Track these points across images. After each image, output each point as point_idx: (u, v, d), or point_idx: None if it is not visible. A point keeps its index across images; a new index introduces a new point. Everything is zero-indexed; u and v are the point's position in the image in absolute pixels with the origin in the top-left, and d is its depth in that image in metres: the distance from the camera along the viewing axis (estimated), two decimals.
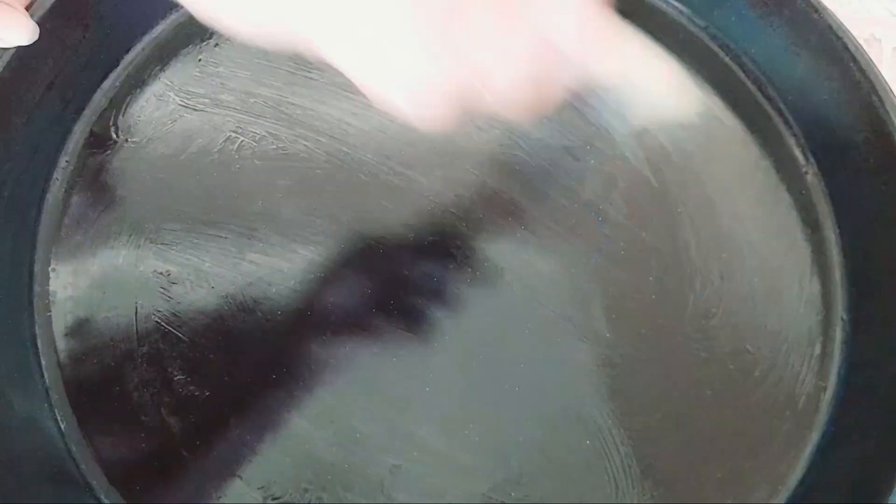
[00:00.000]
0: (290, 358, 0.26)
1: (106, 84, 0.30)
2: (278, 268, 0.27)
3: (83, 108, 0.29)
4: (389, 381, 0.26)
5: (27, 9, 0.26)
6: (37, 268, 0.27)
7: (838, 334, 0.28)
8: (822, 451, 0.26)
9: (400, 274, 0.27)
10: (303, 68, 0.31)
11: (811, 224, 0.29)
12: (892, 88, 0.28)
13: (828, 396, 0.27)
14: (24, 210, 0.27)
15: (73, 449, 0.25)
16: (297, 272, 0.27)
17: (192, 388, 0.26)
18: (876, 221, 0.28)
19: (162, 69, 0.30)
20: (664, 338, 0.27)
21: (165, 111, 0.30)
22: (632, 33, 0.20)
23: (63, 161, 0.29)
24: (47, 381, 0.26)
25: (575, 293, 0.27)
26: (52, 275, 0.27)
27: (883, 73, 0.28)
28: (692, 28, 0.33)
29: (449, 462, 0.25)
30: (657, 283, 0.28)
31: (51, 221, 0.28)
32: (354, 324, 0.27)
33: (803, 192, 0.30)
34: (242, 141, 0.29)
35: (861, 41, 0.29)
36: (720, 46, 0.32)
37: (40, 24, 0.27)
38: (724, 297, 0.28)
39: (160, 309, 0.27)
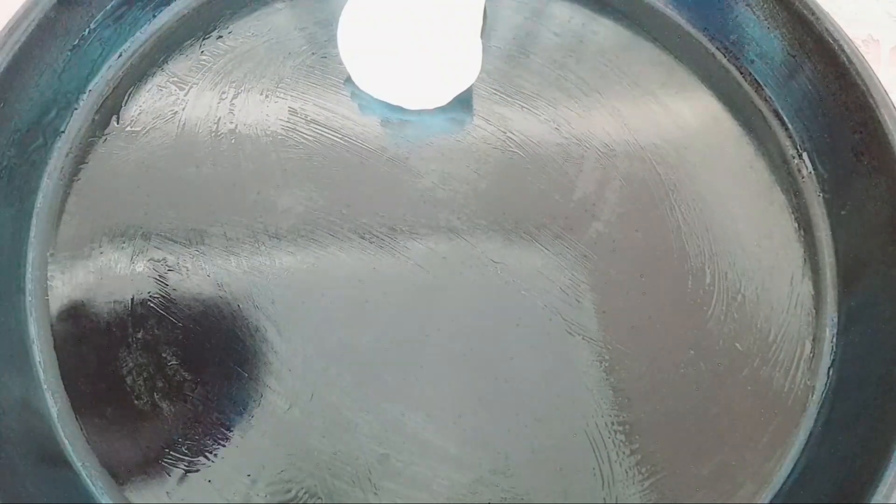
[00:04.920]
0: (283, 346, 0.26)
1: (109, 73, 0.30)
2: (273, 258, 0.28)
3: (85, 97, 0.30)
4: (380, 371, 0.26)
5: None
6: (35, 252, 0.27)
7: (828, 334, 0.28)
8: (809, 449, 0.26)
9: (393, 266, 0.28)
10: (304, 63, 0.31)
11: (804, 225, 0.30)
12: (890, 89, 0.28)
13: (816, 396, 0.27)
14: (24, 195, 0.28)
15: (66, 431, 0.25)
16: (290, 262, 0.28)
17: (185, 373, 0.26)
18: (868, 223, 0.28)
19: (164, 60, 0.31)
20: (654, 334, 0.27)
21: (166, 101, 0.30)
22: None
23: (65, 148, 0.29)
24: (42, 363, 0.26)
25: (566, 289, 0.28)
26: (49, 259, 0.27)
27: (881, 74, 0.28)
28: (690, 29, 0.33)
29: (437, 452, 0.25)
30: (648, 280, 0.28)
31: (50, 207, 0.28)
32: (347, 314, 0.27)
33: (797, 192, 0.30)
34: (241, 132, 0.30)
35: (859, 42, 0.29)
36: (718, 48, 0.33)
37: (46, 11, 0.28)
38: (715, 296, 0.28)
39: (156, 295, 0.27)
